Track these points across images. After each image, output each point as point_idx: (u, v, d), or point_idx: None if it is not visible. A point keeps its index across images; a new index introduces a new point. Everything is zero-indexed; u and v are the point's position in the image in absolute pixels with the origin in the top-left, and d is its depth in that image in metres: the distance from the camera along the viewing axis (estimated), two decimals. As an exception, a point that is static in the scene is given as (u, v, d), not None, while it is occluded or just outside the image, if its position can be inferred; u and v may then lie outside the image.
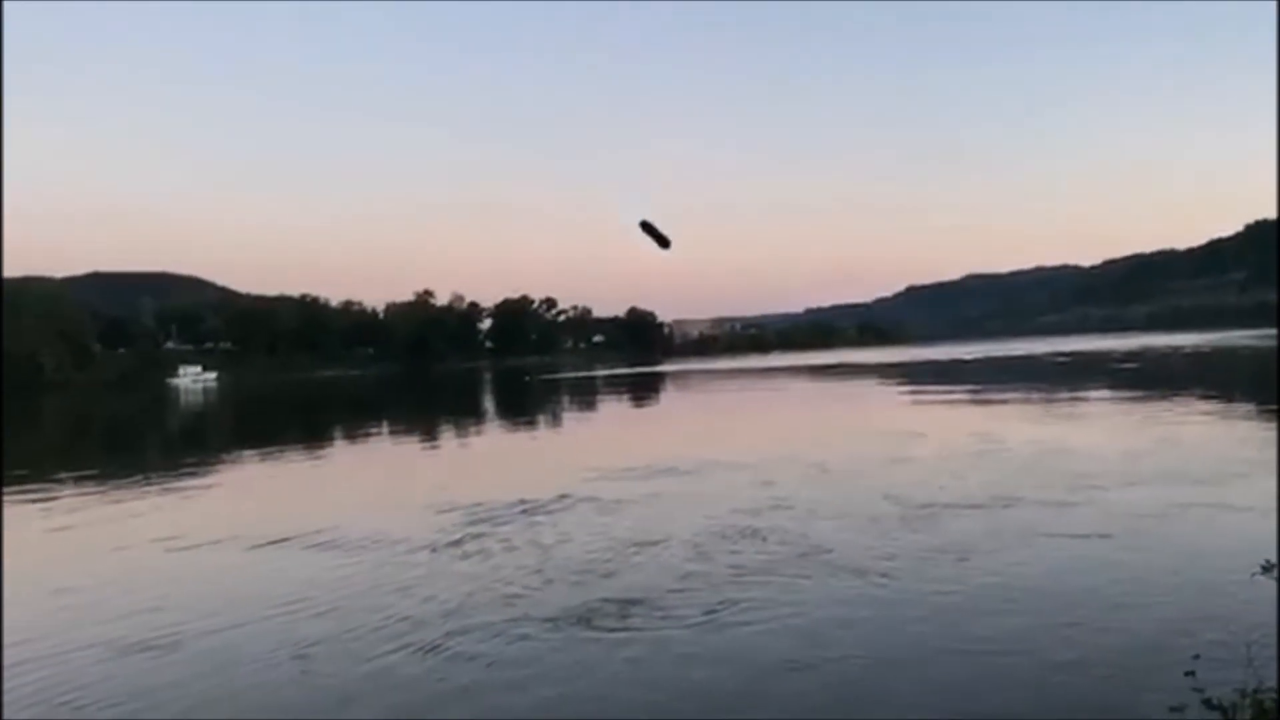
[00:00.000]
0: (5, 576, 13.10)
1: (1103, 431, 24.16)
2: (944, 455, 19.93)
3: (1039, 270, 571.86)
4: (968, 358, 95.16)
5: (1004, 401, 37.88)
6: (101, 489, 22.37)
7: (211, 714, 7.34)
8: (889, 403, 43.63)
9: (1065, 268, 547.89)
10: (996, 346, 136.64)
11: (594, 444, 31.16)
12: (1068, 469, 16.90)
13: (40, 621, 10.24)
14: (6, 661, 8.68)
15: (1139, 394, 37.32)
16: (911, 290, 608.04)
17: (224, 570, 12.64)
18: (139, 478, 24.79)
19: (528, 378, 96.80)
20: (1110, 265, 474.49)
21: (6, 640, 9.48)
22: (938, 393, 45.44)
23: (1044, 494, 14.56)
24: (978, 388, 47.93)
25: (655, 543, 12.49)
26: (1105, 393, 40.34)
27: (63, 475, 25.46)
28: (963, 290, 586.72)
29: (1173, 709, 5.51)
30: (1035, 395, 40.54)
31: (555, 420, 43.76)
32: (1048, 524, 12.50)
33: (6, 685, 8.10)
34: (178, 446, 40.21)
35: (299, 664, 8.36)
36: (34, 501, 20.29)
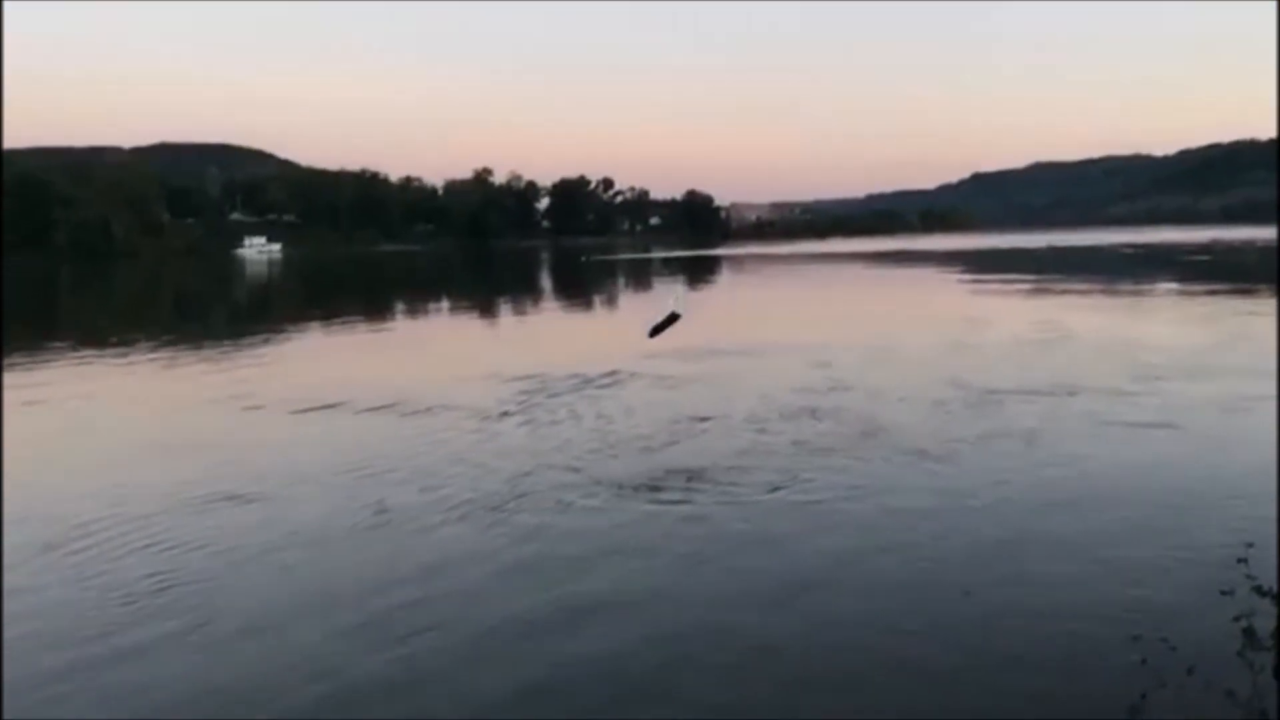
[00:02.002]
0: (91, 431, 13.64)
1: (1170, 324, 23.74)
2: (1007, 343, 19.73)
3: (1109, 159, 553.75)
4: (1033, 247, 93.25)
5: (1069, 292, 37.22)
6: (176, 353, 23.01)
7: (293, 560, 7.68)
8: (951, 290, 43.06)
9: (1137, 157, 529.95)
10: (1063, 236, 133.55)
11: (650, 324, 31.16)
12: (1134, 360, 16.68)
13: (127, 474, 10.68)
14: (98, 508, 9.10)
15: (1209, 287, 36.45)
16: (977, 177, 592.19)
17: (295, 431, 13.02)
18: (211, 344, 25.45)
19: (584, 258, 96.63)
20: (1185, 155, 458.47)
21: (96, 487, 9.95)
22: (1001, 282, 44.71)
23: (1109, 383, 14.39)
24: (1042, 277, 47.08)
25: (714, 418, 12.58)
26: (1174, 285, 39.49)
27: (139, 339, 26.18)
28: (1029, 179, 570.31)
29: (1223, 592, 5.57)
30: (1101, 286, 39.77)
31: (611, 300, 43.87)
32: (1112, 413, 12.39)
33: (103, 524, 8.56)
34: (248, 315, 41.05)
35: (374, 521, 8.64)
36: (114, 364, 20.94)
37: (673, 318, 9.00)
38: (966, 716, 5.03)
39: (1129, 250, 79.66)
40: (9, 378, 19.18)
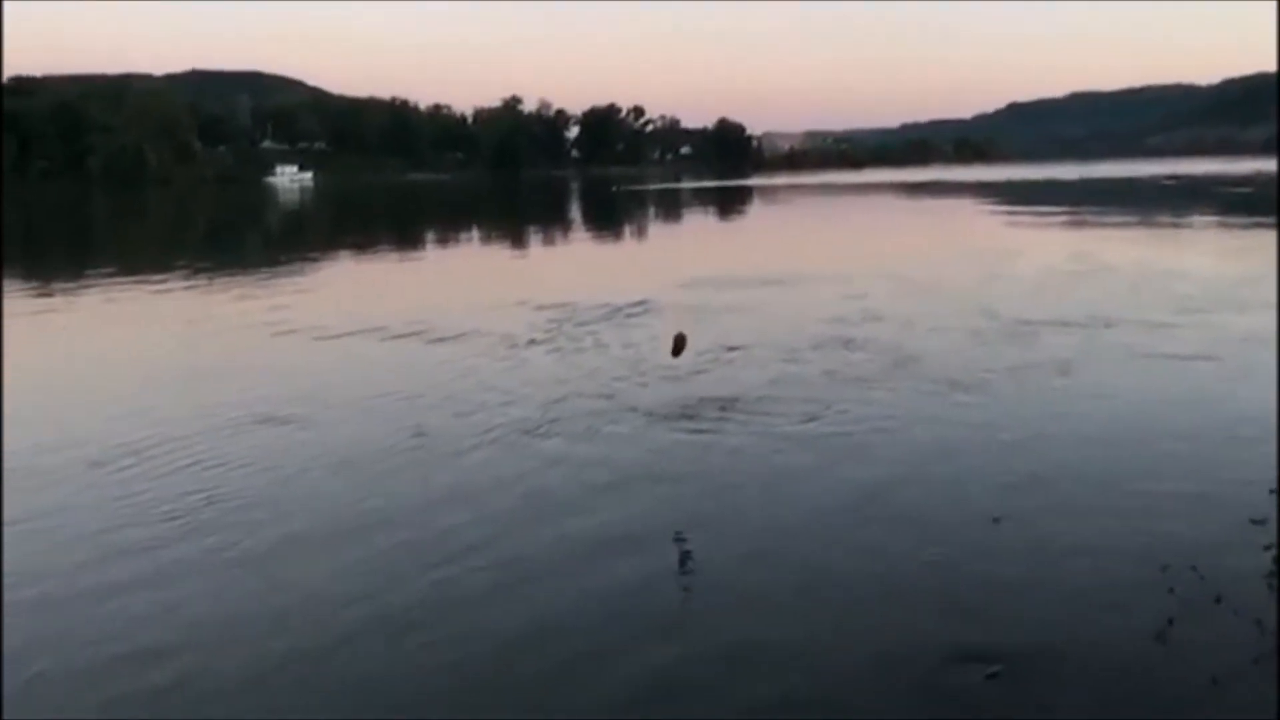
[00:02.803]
0: (130, 354, 13.86)
1: (1210, 256, 23.40)
2: (1042, 275, 19.51)
3: (1149, 89, 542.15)
4: (1069, 178, 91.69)
5: (1105, 224, 36.68)
6: (212, 280, 23.24)
7: (327, 482, 7.81)
8: (985, 222, 42.56)
9: (1179, 86, 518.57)
10: (1100, 167, 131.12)
11: (680, 254, 31.12)
12: (1173, 292, 16.45)
13: (166, 396, 10.84)
14: (140, 429, 9.26)
15: (1250, 220, 35.81)
16: (1013, 107, 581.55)
17: (329, 357, 13.13)
18: (247, 271, 25.71)
19: (614, 188, 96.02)
20: (1229, 84, 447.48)
21: (137, 408, 10.12)
22: (1037, 213, 44.09)
23: (1147, 315, 14.23)
24: (1079, 209, 46.41)
25: (745, 348, 12.53)
26: (1214, 218, 38.80)
27: (175, 265, 26.46)
28: (1067, 109, 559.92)
29: (1254, 521, 5.59)
30: (1138, 218, 39.14)
31: (641, 230, 43.73)
32: (1148, 346, 12.25)
33: (145, 444, 8.72)
34: (283, 243, 41.32)
35: (406, 445, 8.73)
36: (151, 289, 21.17)
37: (681, 343, 9.17)
38: (993, 643, 5.07)
39: (1168, 182, 78.14)
40: (49, 302, 19.52)
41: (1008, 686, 4.68)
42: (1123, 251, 24.44)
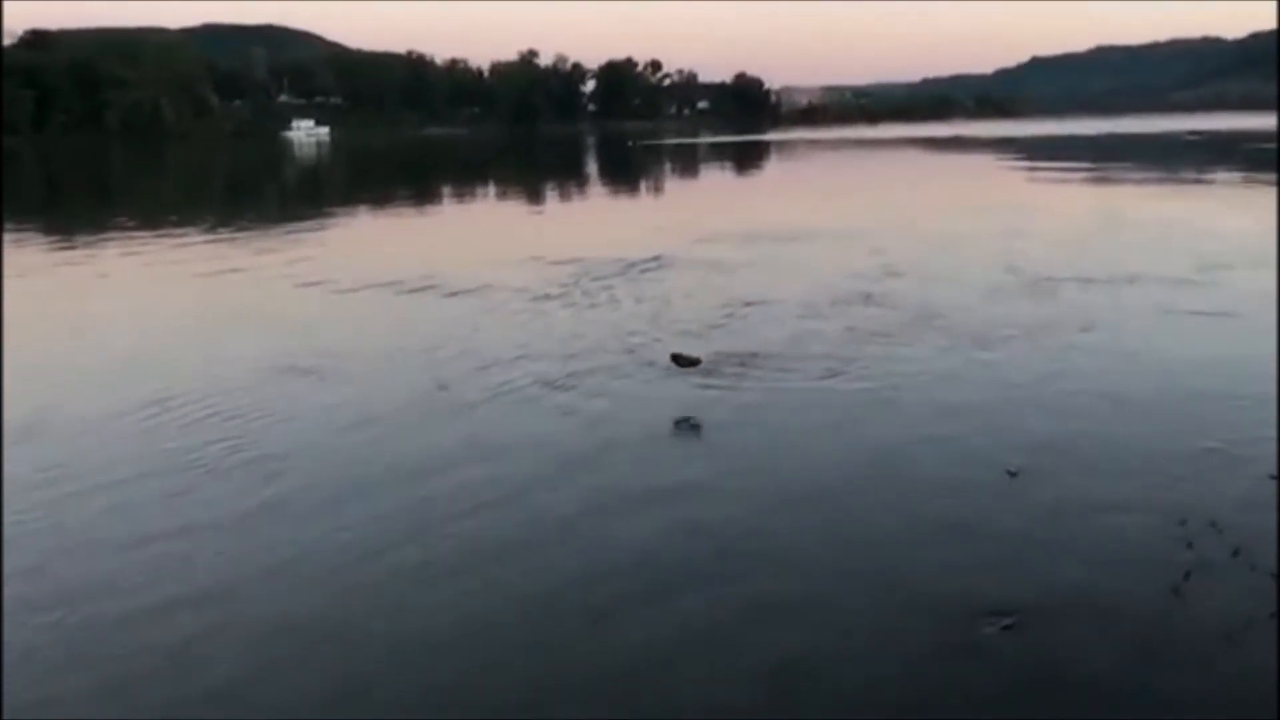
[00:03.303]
0: (153, 307, 13.94)
1: (1235, 212, 23.11)
2: (1064, 231, 19.38)
3: (1175, 43, 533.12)
4: (1092, 133, 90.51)
5: (1129, 179, 36.28)
6: (232, 234, 23.27)
7: (345, 434, 7.87)
8: (1006, 178, 42.10)
9: (1205, 40, 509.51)
10: (1124, 122, 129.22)
11: (698, 209, 30.90)
12: (1195, 248, 16.28)
13: (189, 349, 10.93)
14: (162, 380, 9.32)
15: (1277, 176, 35.31)
16: (1035, 61, 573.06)
17: (347, 311, 13.21)
18: (266, 224, 25.85)
19: (630, 143, 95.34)
20: (1256, 38, 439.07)
21: (160, 361, 10.21)
22: (1059, 169, 43.59)
23: (1170, 272, 14.08)
24: (1102, 165, 45.83)
25: (762, 303, 12.51)
26: (1239, 173, 38.29)
27: (195, 219, 26.51)
28: (1090, 63, 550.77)
29: (1272, 477, 5.56)
30: (1162, 174, 38.69)
31: (657, 186, 43.49)
32: (1172, 302, 12.18)
33: (168, 395, 8.79)
34: (301, 198, 41.34)
35: (424, 399, 8.79)
36: (171, 243, 21.24)
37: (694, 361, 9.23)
38: (1009, 596, 5.08)
39: (1192, 137, 77.06)
40: (72, 255, 19.65)
41: (1023, 638, 4.72)
42: (1146, 207, 24.24)
